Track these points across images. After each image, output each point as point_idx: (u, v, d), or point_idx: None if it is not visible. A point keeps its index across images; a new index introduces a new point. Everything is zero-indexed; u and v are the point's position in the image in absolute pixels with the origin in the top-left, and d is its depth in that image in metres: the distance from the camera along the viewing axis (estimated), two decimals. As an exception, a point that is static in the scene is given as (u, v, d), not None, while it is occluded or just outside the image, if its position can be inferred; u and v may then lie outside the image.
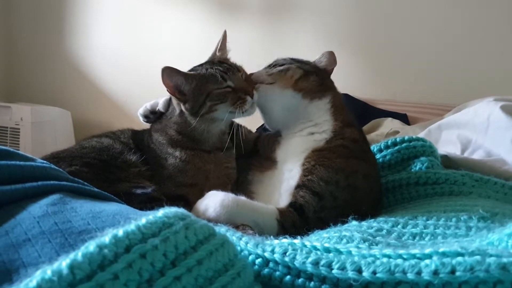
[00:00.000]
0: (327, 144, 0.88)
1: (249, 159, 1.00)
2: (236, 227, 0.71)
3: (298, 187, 0.82)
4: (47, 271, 0.32)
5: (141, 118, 1.04)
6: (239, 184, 0.96)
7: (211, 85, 0.91)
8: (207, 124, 0.92)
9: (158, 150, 0.94)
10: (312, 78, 0.95)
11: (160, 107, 1.01)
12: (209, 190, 0.85)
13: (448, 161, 1.12)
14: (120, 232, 0.37)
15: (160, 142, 0.95)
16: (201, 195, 0.84)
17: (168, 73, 0.90)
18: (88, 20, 2.89)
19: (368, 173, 0.87)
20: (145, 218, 0.40)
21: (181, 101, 0.93)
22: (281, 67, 0.96)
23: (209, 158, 0.94)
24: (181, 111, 0.95)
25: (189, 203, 0.87)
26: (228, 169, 0.97)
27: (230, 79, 0.92)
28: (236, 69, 0.96)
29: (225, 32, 1.04)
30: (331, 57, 1.01)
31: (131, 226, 0.38)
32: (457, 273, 0.41)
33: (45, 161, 0.58)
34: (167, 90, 0.93)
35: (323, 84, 0.96)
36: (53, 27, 2.96)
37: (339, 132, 0.89)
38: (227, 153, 0.98)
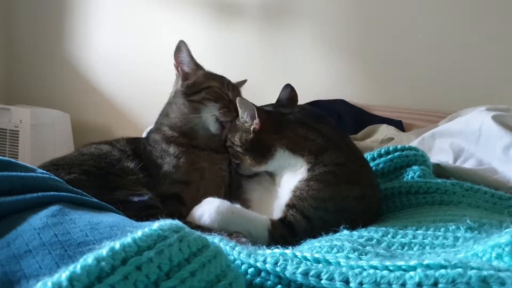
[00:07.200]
0: (310, 172, 0.84)
1: None
2: (230, 234, 0.72)
3: (289, 206, 0.82)
4: (47, 283, 0.33)
5: None
6: (234, 190, 0.97)
7: (215, 82, 1.02)
8: (189, 111, 0.99)
9: (154, 150, 0.98)
10: (248, 160, 0.92)
11: None
12: (204, 189, 0.89)
13: (440, 170, 1.13)
14: (117, 245, 0.38)
15: (156, 140, 1.00)
16: (196, 194, 0.87)
17: (181, 48, 1.03)
18: (87, 23, 2.90)
19: (361, 194, 0.84)
20: (141, 231, 0.41)
21: (181, 77, 1.04)
22: None
23: (203, 155, 0.97)
24: (175, 92, 1.04)
25: (183, 202, 0.89)
26: (222, 171, 0.98)
27: (231, 92, 1.03)
28: (239, 93, 1.08)
29: (245, 81, 1.20)
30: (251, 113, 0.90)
31: (128, 239, 0.39)
32: (440, 285, 0.42)
33: (45, 172, 0.59)
34: (174, 64, 1.05)
35: (260, 152, 0.90)
36: (52, 30, 2.96)
37: (315, 162, 0.85)
38: (221, 155, 1.00)
